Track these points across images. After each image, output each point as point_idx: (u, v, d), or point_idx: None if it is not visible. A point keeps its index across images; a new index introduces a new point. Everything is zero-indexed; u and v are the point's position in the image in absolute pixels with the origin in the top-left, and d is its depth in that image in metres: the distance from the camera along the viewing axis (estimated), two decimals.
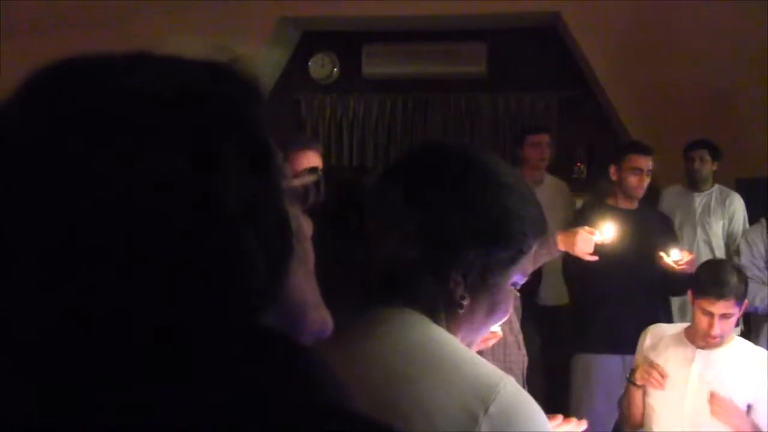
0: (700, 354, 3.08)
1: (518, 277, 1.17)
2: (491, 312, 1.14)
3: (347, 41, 6.71)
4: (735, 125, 5.67)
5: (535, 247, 1.16)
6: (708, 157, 4.98)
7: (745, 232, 4.75)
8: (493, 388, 1.00)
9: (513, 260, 1.13)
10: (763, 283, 3.95)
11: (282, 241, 0.64)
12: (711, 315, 3.00)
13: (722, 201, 5.00)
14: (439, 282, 1.09)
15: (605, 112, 6.39)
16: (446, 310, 1.11)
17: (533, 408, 1.03)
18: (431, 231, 1.08)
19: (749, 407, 3.04)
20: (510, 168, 1.19)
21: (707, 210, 4.99)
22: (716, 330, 3.01)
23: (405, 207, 1.09)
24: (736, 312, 3.02)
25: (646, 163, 4.16)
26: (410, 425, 0.97)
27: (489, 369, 1.05)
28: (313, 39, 6.79)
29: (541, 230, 1.16)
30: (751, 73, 5.70)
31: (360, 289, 1.09)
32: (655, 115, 5.84)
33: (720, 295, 2.96)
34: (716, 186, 5.06)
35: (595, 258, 3.55)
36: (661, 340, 3.18)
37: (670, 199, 5.12)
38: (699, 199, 5.02)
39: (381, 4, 6.08)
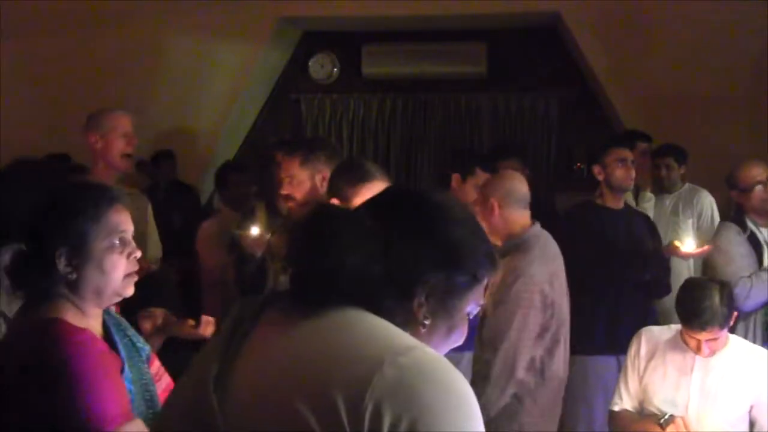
0: (700, 361, 3.05)
1: (472, 307, 1.28)
2: (448, 334, 1.27)
3: (347, 41, 6.72)
4: (734, 125, 5.67)
5: (486, 279, 1.29)
6: (674, 164, 4.96)
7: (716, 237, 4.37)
8: (410, 348, 1.12)
9: (469, 285, 1.26)
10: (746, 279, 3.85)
11: None
12: (697, 340, 2.99)
13: (690, 199, 4.95)
14: (401, 299, 1.20)
15: (605, 112, 6.39)
16: (408, 329, 1.20)
17: (450, 373, 1.12)
18: (392, 251, 1.20)
19: (751, 407, 3.03)
20: (465, 208, 1.34)
21: (676, 210, 4.94)
22: (705, 353, 3.00)
23: (371, 230, 1.21)
24: (722, 334, 3.00)
25: (629, 153, 4.18)
26: (327, 375, 1.08)
27: (414, 340, 1.16)
28: (313, 39, 6.79)
29: (491, 263, 1.29)
30: (750, 73, 5.71)
31: (323, 292, 1.19)
32: (654, 115, 5.84)
33: (702, 328, 2.94)
34: (687, 185, 5.01)
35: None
36: (658, 347, 3.14)
37: (643, 205, 5.03)
38: (669, 200, 4.99)
39: (381, 4, 6.08)
